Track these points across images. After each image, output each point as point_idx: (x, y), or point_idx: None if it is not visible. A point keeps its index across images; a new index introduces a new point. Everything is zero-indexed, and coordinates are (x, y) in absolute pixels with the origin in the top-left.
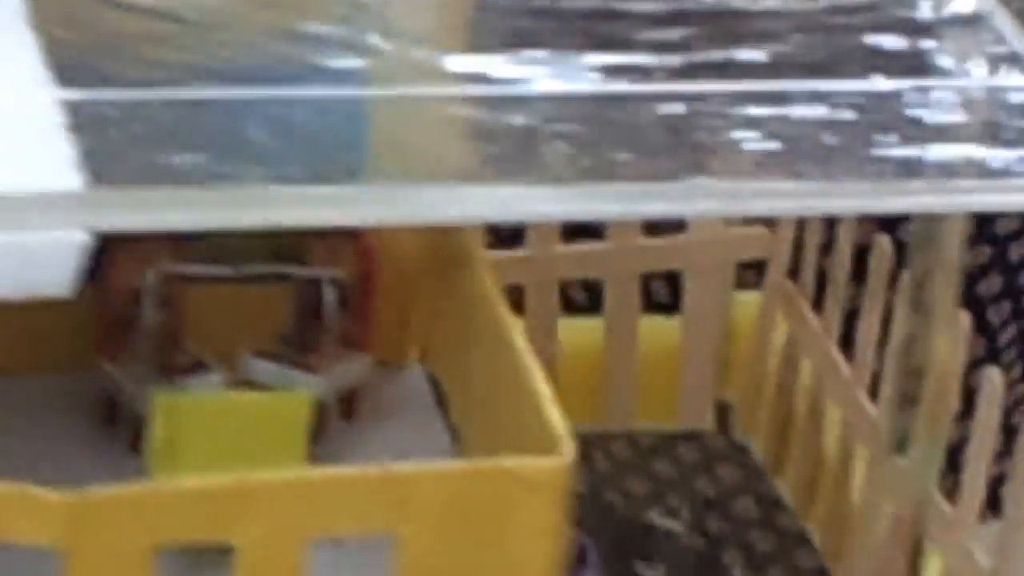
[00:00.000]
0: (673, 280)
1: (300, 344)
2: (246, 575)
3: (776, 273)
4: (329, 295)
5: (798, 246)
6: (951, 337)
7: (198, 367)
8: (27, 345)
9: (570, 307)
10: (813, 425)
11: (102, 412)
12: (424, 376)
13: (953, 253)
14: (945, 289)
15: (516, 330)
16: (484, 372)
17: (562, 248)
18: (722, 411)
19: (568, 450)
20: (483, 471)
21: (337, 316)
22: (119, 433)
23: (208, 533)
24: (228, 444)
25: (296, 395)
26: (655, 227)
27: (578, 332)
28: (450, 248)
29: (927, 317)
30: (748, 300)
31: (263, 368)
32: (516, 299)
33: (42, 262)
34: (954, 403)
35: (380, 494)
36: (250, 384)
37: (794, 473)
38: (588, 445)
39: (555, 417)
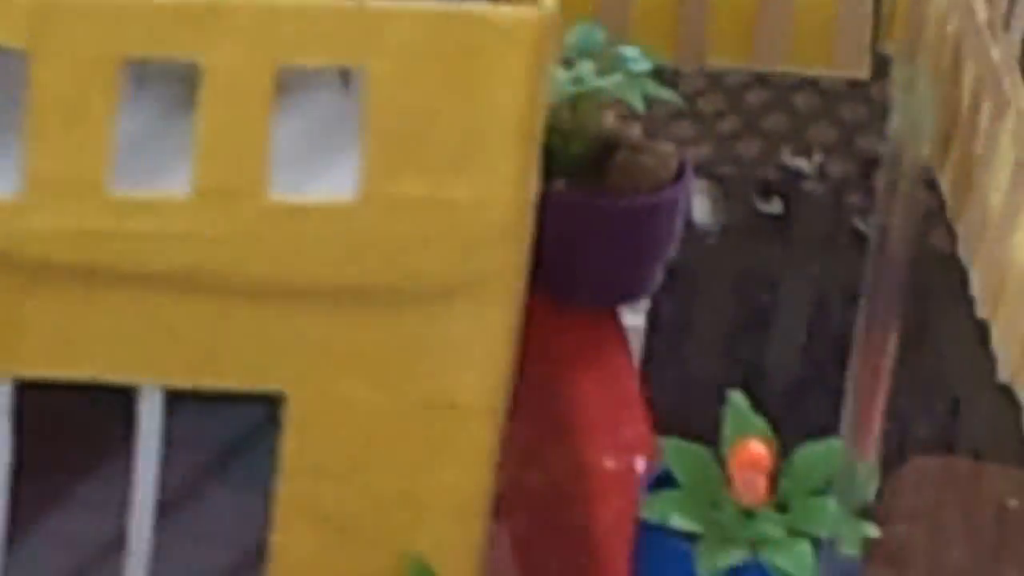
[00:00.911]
0: None
1: None
2: (214, 99)
3: None
4: None
5: None
6: None
7: None
8: None
9: None
10: (955, 79)
11: None
12: None
13: None
14: None
15: None
16: None
17: None
18: (881, 64)
19: (548, 4)
20: (457, 14)
21: None
22: None
23: (176, 49)
24: None
25: None
26: None
27: None
28: None
29: None
30: None
31: None
32: None
33: None
34: None
35: (351, 26)
36: None
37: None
38: (735, 85)
39: None
